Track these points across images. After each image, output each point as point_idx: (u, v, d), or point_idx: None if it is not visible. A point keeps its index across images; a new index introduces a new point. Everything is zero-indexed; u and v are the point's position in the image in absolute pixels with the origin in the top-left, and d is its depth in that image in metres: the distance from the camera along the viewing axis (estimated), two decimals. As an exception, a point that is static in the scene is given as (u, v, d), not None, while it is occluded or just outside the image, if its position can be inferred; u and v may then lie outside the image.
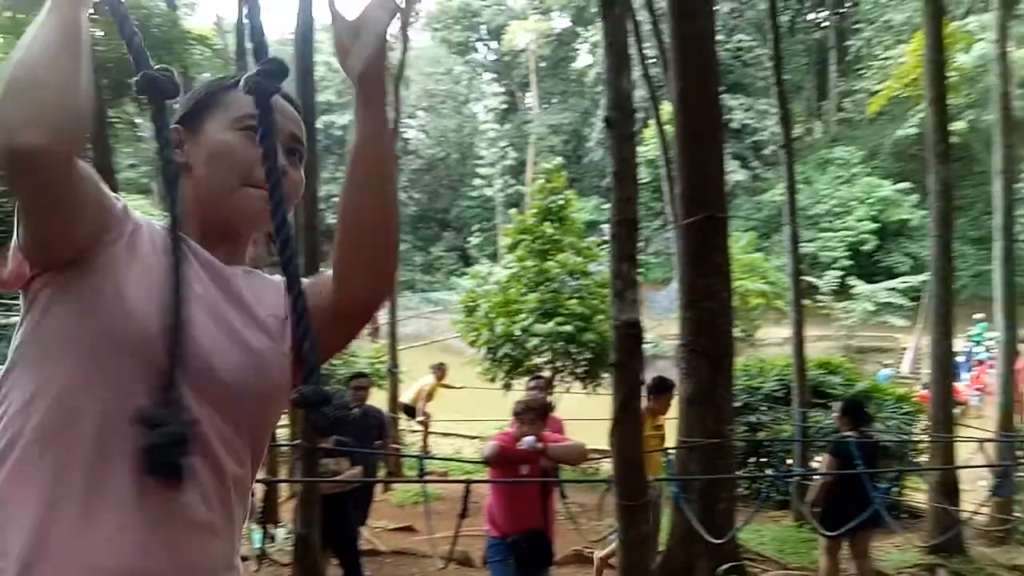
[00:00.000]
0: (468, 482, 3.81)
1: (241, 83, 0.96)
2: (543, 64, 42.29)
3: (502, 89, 40.41)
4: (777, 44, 8.90)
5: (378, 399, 9.92)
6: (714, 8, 4.79)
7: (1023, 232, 26.46)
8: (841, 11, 37.28)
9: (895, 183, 28.69)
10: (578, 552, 6.30)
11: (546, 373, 10.73)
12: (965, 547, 7.15)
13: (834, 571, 5.45)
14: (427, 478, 7.73)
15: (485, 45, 44.37)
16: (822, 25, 37.98)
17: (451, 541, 3.86)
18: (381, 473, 7.41)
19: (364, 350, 15.09)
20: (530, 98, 41.09)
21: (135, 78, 0.99)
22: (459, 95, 40.68)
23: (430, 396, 10.94)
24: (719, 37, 28.53)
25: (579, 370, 11.15)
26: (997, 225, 9.12)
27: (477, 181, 37.66)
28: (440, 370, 11.10)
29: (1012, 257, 9.03)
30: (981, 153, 20.87)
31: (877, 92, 24.72)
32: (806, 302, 19.71)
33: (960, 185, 26.62)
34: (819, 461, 7.45)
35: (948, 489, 7.33)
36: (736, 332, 25.71)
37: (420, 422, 10.96)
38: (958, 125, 25.29)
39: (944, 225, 7.67)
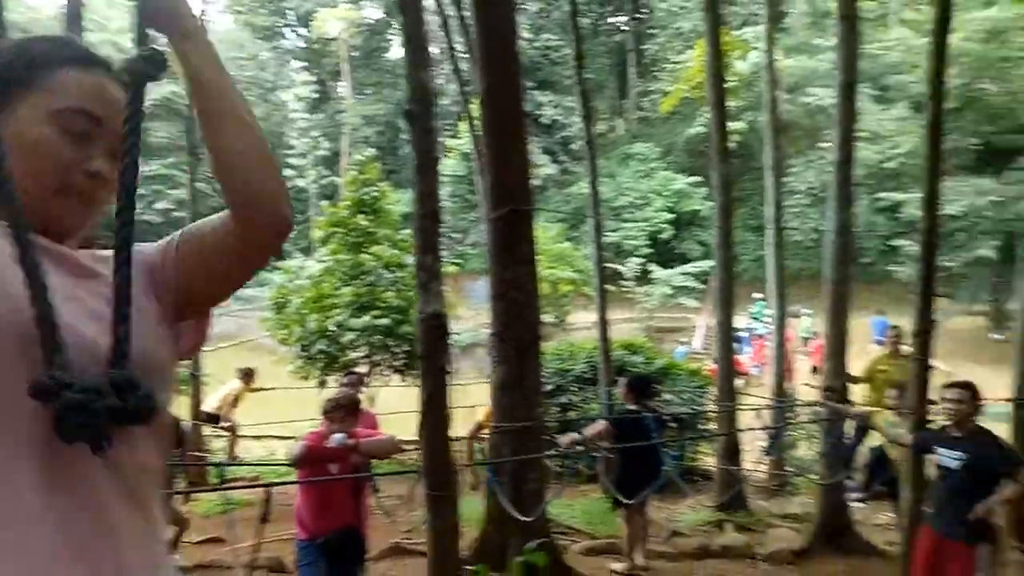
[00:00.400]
0: (267, 485, 3.68)
1: (117, 66, 0.86)
2: (355, 54, 41.31)
3: (313, 78, 38.96)
4: (579, 45, 9.34)
5: (179, 406, 9.27)
6: (515, 3, 4.93)
7: (792, 221, 29.75)
8: (638, 16, 39.82)
9: (687, 177, 31.32)
10: (396, 545, 6.30)
11: (363, 368, 10.57)
12: (747, 502, 8.00)
13: (636, 534, 5.90)
14: (229, 485, 7.39)
15: (293, 31, 42.51)
16: (622, 29, 40.36)
17: (254, 549, 3.70)
18: (181, 485, 6.93)
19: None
20: (343, 88, 40.00)
21: None
22: (266, 82, 38.69)
23: (236, 402, 10.41)
24: (527, 35, 29.27)
25: (398, 363, 11.09)
26: (769, 215, 10.28)
27: (288, 172, 36.11)
28: (247, 375, 10.61)
29: (782, 243, 10.23)
30: (758, 151, 23.22)
31: (669, 93, 26.81)
32: (611, 288, 21.01)
33: (741, 180, 29.60)
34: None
35: (731, 452, 8.15)
36: (548, 318, 26.70)
37: (226, 428, 10.40)
38: (738, 125, 28.07)
39: (725, 216, 8.48)
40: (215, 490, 5.88)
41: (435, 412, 3.33)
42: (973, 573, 3.98)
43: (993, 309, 22.99)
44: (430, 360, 3.31)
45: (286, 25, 42.16)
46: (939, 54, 5.16)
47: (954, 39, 22.36)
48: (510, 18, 4.85)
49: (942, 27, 5.19)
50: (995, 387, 6.78)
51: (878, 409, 5.84)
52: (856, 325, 13.12)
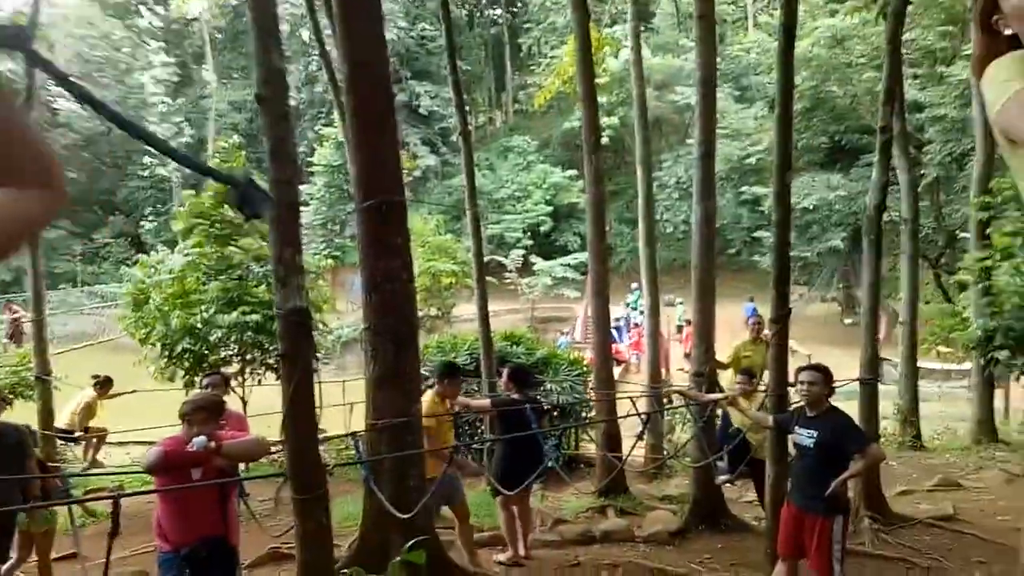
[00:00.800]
0: (118, 496, 3.36)
1: None
2: (220, 36, 39.22)
3: (172, 60, 36.61)
4: (450, 35, 9.22)
5: (26, 413, 8.44)
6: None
7: (665, 213, 30.84)
8: (513, 10, 40.11)
9: (564, 170, 31.96)
10: (274, 551, 6.00)
11: (234, 367, 10.02)
12: (627, 486, 8.21)
13: (512, 522, 5.92)
14: (84, 496, 6.86)
15: (150, 10, 39.70)
16: (497, 21, 40.52)
17: (106, 566, 3.38)
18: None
19: (4, 357, 12.78)
20: (207, 71, 37.86)
21: None
22: (120, 63, 35.96)
23: (90, 413, 9.64)
24: (403, 24, 28.59)
25: (271, 360, 10.58)
26: (640, 208, 10.58)
27: (148, 159, 33.83)
28: (102, 384, 9.85)
29: (653, 235, 10.55)
30: (631, 146, 23.98)
31: (543, 87, 27.22)
32: (494, 280, 21.14)
33: (616, 173, 30.62)
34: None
35: (611, 439, 8.34)
36: (432, 311, 26.41)
37: (82, 439, 9.62)
38: (612, 120, 28.96)
39: (597, 208, 8.61)
40: (65, 503, 5.36)
41: (300, 411, 3.14)
42: (830, 543, 4.23)
43: (844, 296, 24.92)
44: (292, 358, 3.11)
45: (141, 3, 39.30)
46: (787, 56, 5.45)
47: (804, 44, 23.95)
48: (374, 4, 4.66)
49: (789, 31, 5.49)
50: (848, 368, 7.31)
51: (733, 394, 6.11)
52: (729, 312, 13.86)
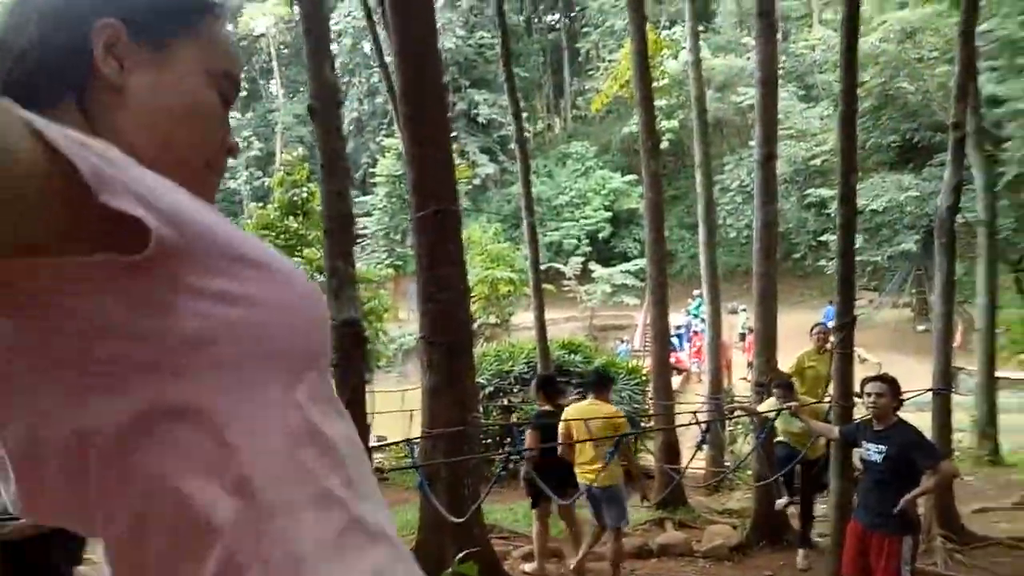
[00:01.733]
0: None
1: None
2: (285, 51, 40.44)
3: (242, 75, 37.97)
4: (506, 42, 9.25)
5: None
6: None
7: (728, 218, 30.31)
8: (571, 15, 40.07)
9: (623, 176, 31.67)
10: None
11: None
12: (687, 499, 8.05)
13: (542, 534, 5.87)
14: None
15: (220, 28, 41.26)
16: (555, 27, 40.53)
17: None
18: None
19: None
20: (274, 85, 39.08)
21: None
22: (192, 80, 37.47)
23: None
24: (461, 32, 28.97)
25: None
26: (700, 213, 10.38)
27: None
28: None
29: (714, 240, 10.35)
30: (691, 149, 23.64)
31: (601, 91, 27.08)
32: (551, 287, 21.09)
33: (676, 177, 30.20)
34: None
35: (670, 449, 8.19)
36: (491, 319, 26.49)
37: None
38: (671, 123, 28.57)
39: (656, 213, 8.51)
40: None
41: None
42: (899, 563, 4.03)
43: (917, 301, 23.91)
44: (345, 369, 3.16)
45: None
46: (849, 53, 5.27)
47: (871, 40, 23.20)
48: (428, 10, 4.71)
49: (851, 27, 5.30)
50: (921, 377, 6.99)
51: (790, 405, 5.85)
52: (796, 319, 13.47)
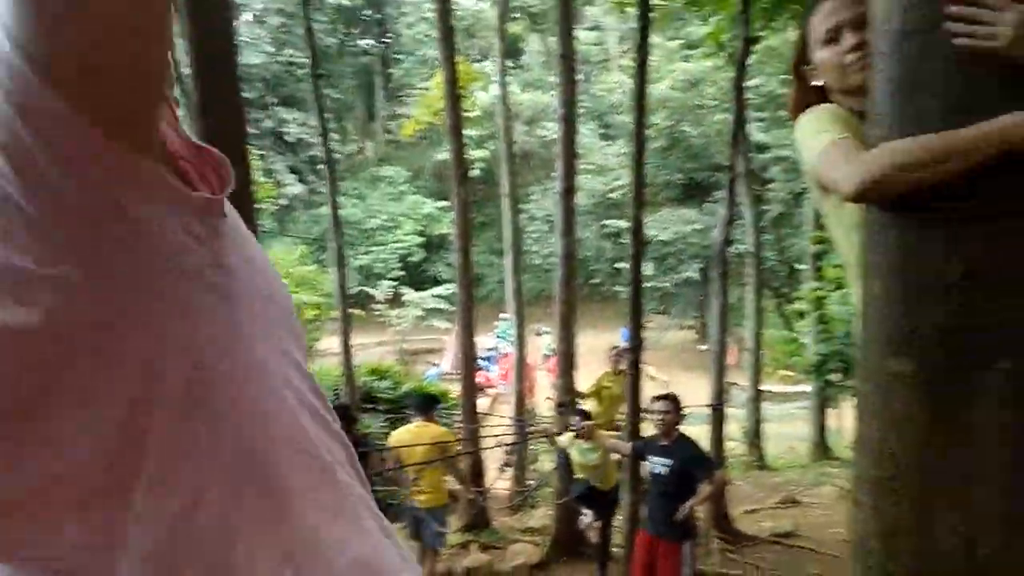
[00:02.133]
0: None
1: None
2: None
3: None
4: (316, 61, 9.08)
5: None
6: (231, 11, 4.58)
7: (533, 245, 31.36)
8: (384, 41, 40.06)
9: (436, 201, 32.03)
10: None
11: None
12: (490, 520, 8.17)
13: None
14: None
15: None
16: (369, 51, 40.27)
17: None
18: None
19: None
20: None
21: None
22: None
23: None
24: (270, 49, 27.67)
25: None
26: (507, 240, 10.76)
27: None
28: None
29: (519, 266, 10.74)
30: (500, 178, 24.42)
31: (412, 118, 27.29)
32: (360, 312, 20.70)
33: (486, 205, 31.00)
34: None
35: (475, 472, 8.29)
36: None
37: None
38: (482, 152, 29.39)
39: (465, 239, 8.66)
40: None
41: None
42: (681, 567, 4.38)
43: (699, 324, 26.39)
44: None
45: None
46: (640, 98, 5.76)
47: (661, 87, 25.23)
48: (228, 22, 4.50)
49: (642, 74, 5.81)
50: (703, 392, 7.69)
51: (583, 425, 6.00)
52: (597, 341, 14.23)
